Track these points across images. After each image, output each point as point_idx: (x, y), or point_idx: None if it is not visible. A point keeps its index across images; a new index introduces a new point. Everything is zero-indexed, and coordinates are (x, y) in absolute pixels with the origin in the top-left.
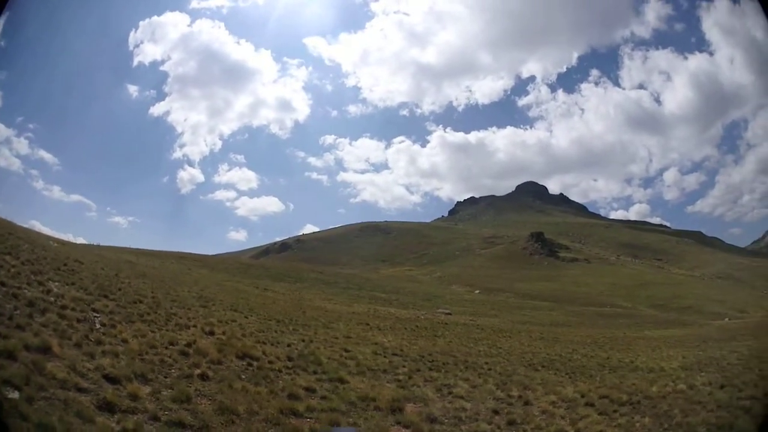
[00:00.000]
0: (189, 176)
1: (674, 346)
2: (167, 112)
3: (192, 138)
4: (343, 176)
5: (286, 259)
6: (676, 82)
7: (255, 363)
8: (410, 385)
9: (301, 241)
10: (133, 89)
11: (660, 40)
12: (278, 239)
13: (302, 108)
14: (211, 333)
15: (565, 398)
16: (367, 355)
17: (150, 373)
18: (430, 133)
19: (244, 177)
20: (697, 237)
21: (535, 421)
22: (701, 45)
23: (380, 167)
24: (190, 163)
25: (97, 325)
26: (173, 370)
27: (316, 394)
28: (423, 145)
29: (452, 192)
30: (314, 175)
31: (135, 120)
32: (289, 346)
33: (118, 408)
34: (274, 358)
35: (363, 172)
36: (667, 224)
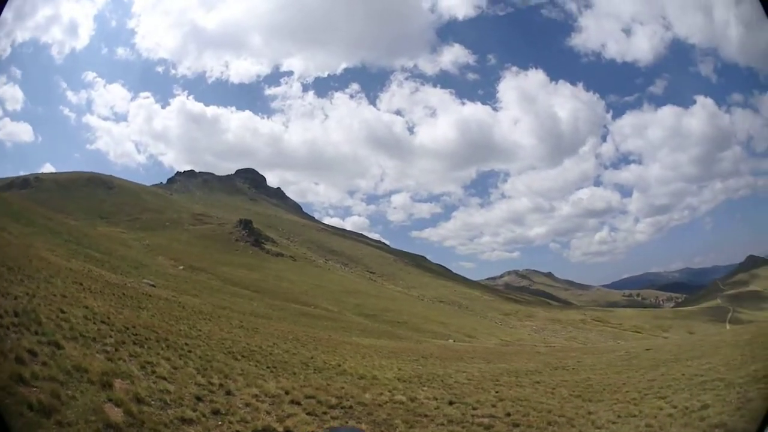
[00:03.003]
0: None
1: (387, 357)
2: None
3: None
4: (88, 118)
5: (26, 197)
6: (440, 120)
7: None
8: (117, 359)
9: (39, 180)
10: None
11: (442, 80)
12: (22, 173)
13: (84, 37)
14: None
15: (267, 393)
16: (79, 318)
17: None
18: (174, 96)
19: (14, 96)
20: (419, 260)
21: (240, 414)
22: (488, 99)
23: (120, 118)
24: None
25: None
26: None
27: (38, 358)
28: (164, 107)
29: (175, 161)
30: (66, 111)
31: None
32: (15, 298)
33: None
34: (3, 311)
35: (106, 119)
36: (386, 242)
